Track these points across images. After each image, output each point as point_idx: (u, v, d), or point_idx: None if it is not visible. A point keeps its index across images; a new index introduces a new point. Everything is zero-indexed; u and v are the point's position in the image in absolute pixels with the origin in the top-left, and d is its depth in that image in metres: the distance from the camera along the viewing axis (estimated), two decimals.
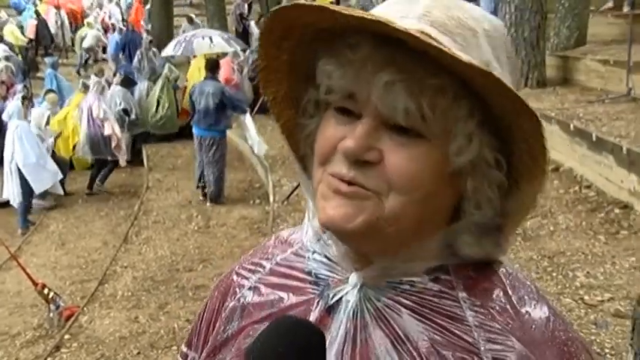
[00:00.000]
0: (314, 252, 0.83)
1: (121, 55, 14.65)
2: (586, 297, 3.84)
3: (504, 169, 0.73)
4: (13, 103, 8.81)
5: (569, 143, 5.96)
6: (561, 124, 6.16)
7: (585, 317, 3.65)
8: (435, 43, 0.65)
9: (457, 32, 0.70)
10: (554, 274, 4.15)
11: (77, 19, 20.36)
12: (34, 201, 8.71)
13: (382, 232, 0.71)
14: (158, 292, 5.69)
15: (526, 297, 0.76)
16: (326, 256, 0.81)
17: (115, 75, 11.45)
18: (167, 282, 5.89)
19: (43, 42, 17.82)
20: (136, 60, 12.09)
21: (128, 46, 14.04)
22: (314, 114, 0.79)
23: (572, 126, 5.93)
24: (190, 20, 15.49)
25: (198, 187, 8.20)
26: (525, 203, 0.74)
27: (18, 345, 5.17)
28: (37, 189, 8.38)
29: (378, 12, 0.74)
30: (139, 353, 4.72)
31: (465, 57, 0.65)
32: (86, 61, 16.93)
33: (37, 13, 18.47)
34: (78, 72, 16.23)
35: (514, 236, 0.79)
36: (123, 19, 16.83)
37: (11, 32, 17.14)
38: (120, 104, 10.34)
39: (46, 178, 8.46)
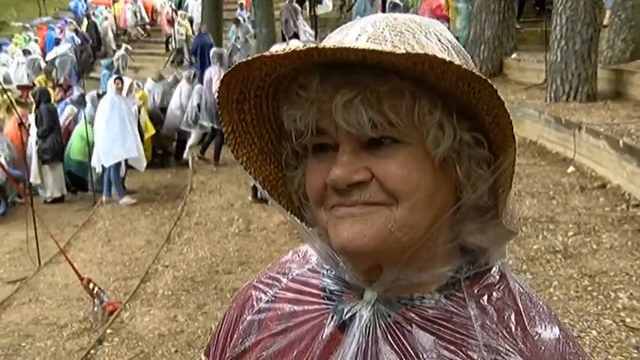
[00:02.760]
0: (328, 269, 0.86)
1: (192, 58, 14.95)
2: (628, 319, 3.73)
3: (486, 145, 0.75)
4: (110, 82, 9.45)
5: (618, 160, 5.81)
6: (610, 139, 6.00)
7: (626, 340, 3.55)
8: (363, 46, 0.67)
9: (394, 39, 0.72)
10: (594, 294, 4.04)
11: (149, 15, 21.03)
12: (123, 200, 9.10)
13: (397, 242, 0.73)
14: (197, 293, 5.79)
15: (537, 317, 0.77)
16: (338, 275, 0.84)
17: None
18: (206, 283, 5.98)
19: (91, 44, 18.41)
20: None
21: (199, 48, 14.22)
22: (297, 165, 0.82)
23: (621, 142, 5.77)
24: (237, 22, 15.78)
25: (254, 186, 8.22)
26: (506, 175, 0.75)
27: (65, 336, 5.35)
28: (106, 162, 8.84)
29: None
30: (176, 351, 4.81)
31: (399, 50, 0.67)
32: (180, 60, 17.46)
33: (87, 16, 19.05)
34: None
35: (517, 222, 0.80)
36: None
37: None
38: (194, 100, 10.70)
39: (116, 152, 8.91)
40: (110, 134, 8.81)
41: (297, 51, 0.68)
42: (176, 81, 11.78)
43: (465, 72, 0.68)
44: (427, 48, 0.72)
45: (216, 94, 0.79)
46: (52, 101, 11.09)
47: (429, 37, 0.74)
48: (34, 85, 14.63)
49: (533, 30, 11.82)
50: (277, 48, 0.72)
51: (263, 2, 14.85)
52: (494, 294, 0.78)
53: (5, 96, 9.77)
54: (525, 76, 9.85)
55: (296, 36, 15.09)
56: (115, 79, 9.36)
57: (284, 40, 14.60)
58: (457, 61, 0.73)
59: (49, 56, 17.22)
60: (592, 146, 6.38)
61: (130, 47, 15.92)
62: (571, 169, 6.50)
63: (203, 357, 0.95)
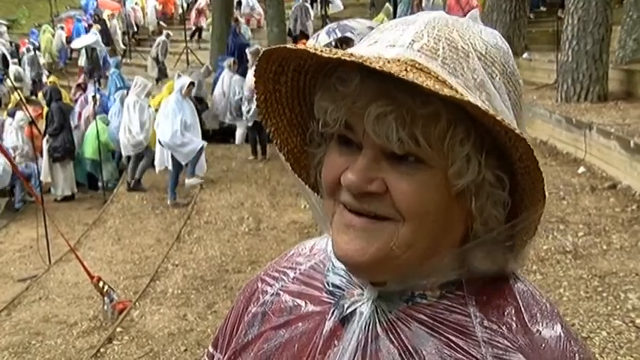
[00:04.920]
0: (334, 265, 0.86)
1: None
2: (637, 320, 3.71)
3: (507, 187, 0.74)
4: (179, 82, 9.20)
5: (629, 160, 5.78)
6: (620, 140, 5.97)
7: (636, 341, 3.53)
8: (413, 78, 0.65)
9: (447, 55, 0.70)
10: (604, 295, 4.03)
11: (169, 9, 21.16)
12: (187, 180, 9.02)
13: (397, 259, 0.73)
14: (207, 292, 5.81)
15: (538, 315, 0.77)
16: (343, 269, 0.84)
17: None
18: (216, 282, 6.00)
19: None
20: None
21: (237, 49, 14.19)
22: (321, 142, 0.81)
23: (632, 142, 5.74)
24: (236, 20, 15.82)
25: None
26: (532, 222, 0.75)
27: (75, 334, 5.39)
28: (182, 160, 8.75)
29: (371, 39, 0.75)
30: (185, 350, 4.84)
31: (445, 90, 0.65)
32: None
33: (97, 16, 19.20)
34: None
35: (529, 252, 0.80)
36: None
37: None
38: (238, 93, 10.69)
39: (186, 151, 8.78)
40: (172, 138, 8.62)
41: (341, 58, 0.68)
42: (208, 71, 11.84)
43: (509, 129, 0.67)
44: (477, 73, 0.70)
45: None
46: (66, 99, 11.16)
47: (482, 59, 0.72)
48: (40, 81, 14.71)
49: (544, 30, 11.77)
50: (323, 47, 0.71)
51: (274, 1, 14.88)
52: (495, 292, 0.78)
53: (16, 93, 9.85)
54: (536, 76, 9.82)
55: (302, 34, 15.12)
56: (190, 84, 9.02)
57: (294, 39, 14.66)
58: (504, 93, 0.72)
59: (75, 44, 17.32)
60: (603, 147, 6.35)
61: (171, 33, 15.94)
62: (581, 169, 6.47)
63: (211, 349, 0.96)
